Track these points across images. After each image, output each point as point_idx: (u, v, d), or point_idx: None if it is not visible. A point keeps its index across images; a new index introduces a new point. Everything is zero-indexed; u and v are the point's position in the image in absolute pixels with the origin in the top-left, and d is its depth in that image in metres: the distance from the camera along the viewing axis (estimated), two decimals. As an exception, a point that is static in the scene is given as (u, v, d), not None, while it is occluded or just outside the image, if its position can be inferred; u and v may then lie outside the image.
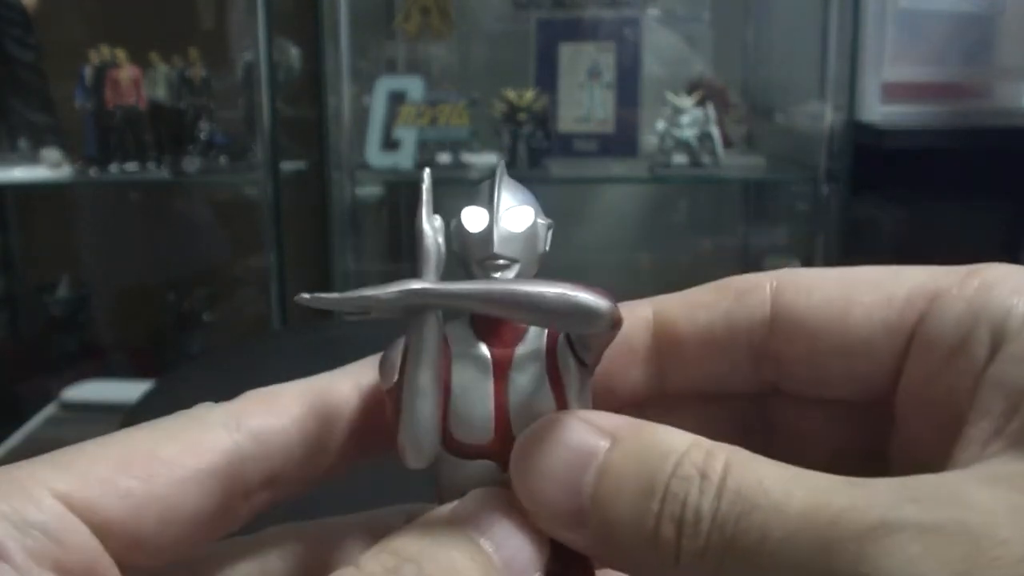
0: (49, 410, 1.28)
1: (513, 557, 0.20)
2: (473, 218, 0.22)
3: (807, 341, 0.22)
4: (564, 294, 0.19)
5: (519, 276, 0.22)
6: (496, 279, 0.21)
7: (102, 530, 0.19)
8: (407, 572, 0.19)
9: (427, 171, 0.21)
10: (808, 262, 1.47)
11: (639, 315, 0.24)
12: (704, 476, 0.18)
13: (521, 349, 0.21)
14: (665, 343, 0.23)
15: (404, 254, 1.69)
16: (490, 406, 0.21)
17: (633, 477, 0.19)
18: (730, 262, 1.68)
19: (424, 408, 0.20)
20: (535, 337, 0.21)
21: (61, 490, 0.19)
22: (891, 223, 1.46)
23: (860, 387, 0.22)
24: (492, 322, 0.22)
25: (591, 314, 0.20)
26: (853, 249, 1.43)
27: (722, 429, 0.23)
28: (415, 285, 0.20)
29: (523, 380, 0.21)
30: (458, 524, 0.20)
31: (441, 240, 0.21)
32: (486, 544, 0.20)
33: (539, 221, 0.22)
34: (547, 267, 0.23)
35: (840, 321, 0.21)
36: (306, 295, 0.19)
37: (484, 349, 0.21)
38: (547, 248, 0.23)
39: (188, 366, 1.07)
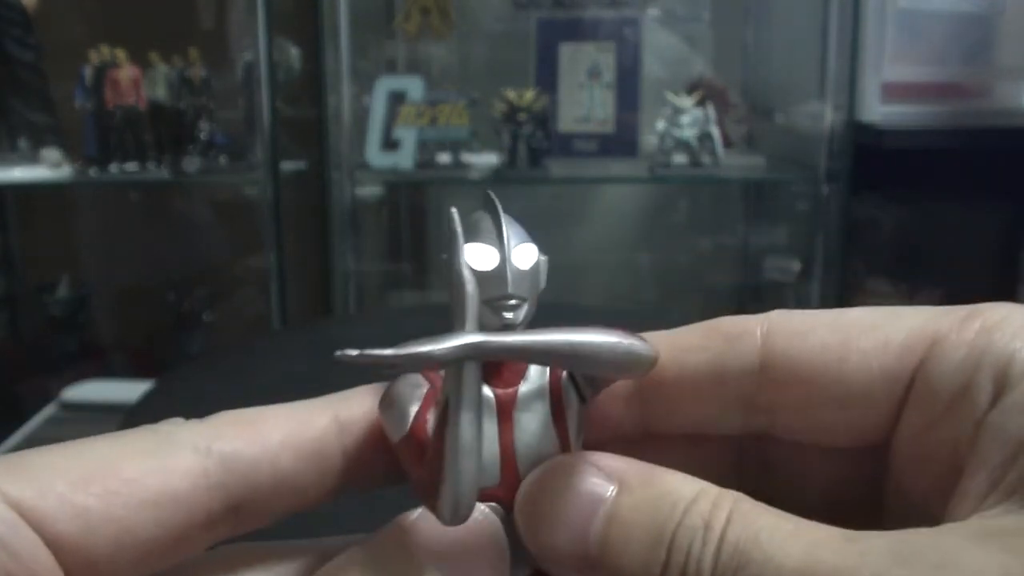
0: (49, 410, 1.27)
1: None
2: (480, 256, 0.21)
3: (801, 390, 0.21)
4: (620, 343, 0.19)
5: (526, 315, 0.21)
6: (550, 330, 0.19)
7: (54, 545, 0.18)
8: None
9: (454, 210, 0.20)
10: (808, 262, 1.47)
11: None
12: (708, 527, 0.18)
13: (524, 388, 0.21)
14: (649, 386, 0.23)
15: (404, 254, 1.70)
16: (496, 450, 0.21)
17: (641, 526, 0.19)
18: (730, 262, 1.68)
19: (468, 466, 0.19)
20: (538, 375, 0.21)
21: (13, 497, 0.18)
22: (891, 223, 1.46)
23: (856, 435, 0.21)
24: (494, 362, 0.21)
25: (643, 361, 0.20)
26: (853, 249, 1.43)
27: (713, 467, 0.23)
28: (473, 339, 0.18)
29: (528, 420, 0.21)
30: (405, 548, 0.20)
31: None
32: (439, 569, 0.19)
33: (540, 257, 0.22)
34: (548, 264, 0.22)
35: (836, 369, 0.20)
36: (352, 351, 0.18)
37: (487, 391, 0.20)
38: (543, 286, 0.22)
39: (188, 366, 1.07)
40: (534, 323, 0.21)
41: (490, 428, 0.21)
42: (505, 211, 0.22)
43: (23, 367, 1.57)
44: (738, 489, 0.22)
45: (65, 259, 1.64)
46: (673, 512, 0.18)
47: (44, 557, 0.18)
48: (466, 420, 0.19)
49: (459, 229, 0.20)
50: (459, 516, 0.19)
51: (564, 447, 0.21)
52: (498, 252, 0.21)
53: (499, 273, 0.21)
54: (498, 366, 0.21)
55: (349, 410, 0.22)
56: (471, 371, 0.19)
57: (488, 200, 0.22)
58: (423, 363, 0.18)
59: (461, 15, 1.54)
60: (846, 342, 0.21)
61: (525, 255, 0.21)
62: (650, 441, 0.23)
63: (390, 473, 0.22)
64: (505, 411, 0.21)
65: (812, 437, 0.22)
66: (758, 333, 0.22)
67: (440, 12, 1.49)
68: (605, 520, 0.19)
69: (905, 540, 0.16)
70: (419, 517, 0.20)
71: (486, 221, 0.22)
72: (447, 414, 0.19)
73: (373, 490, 0.22)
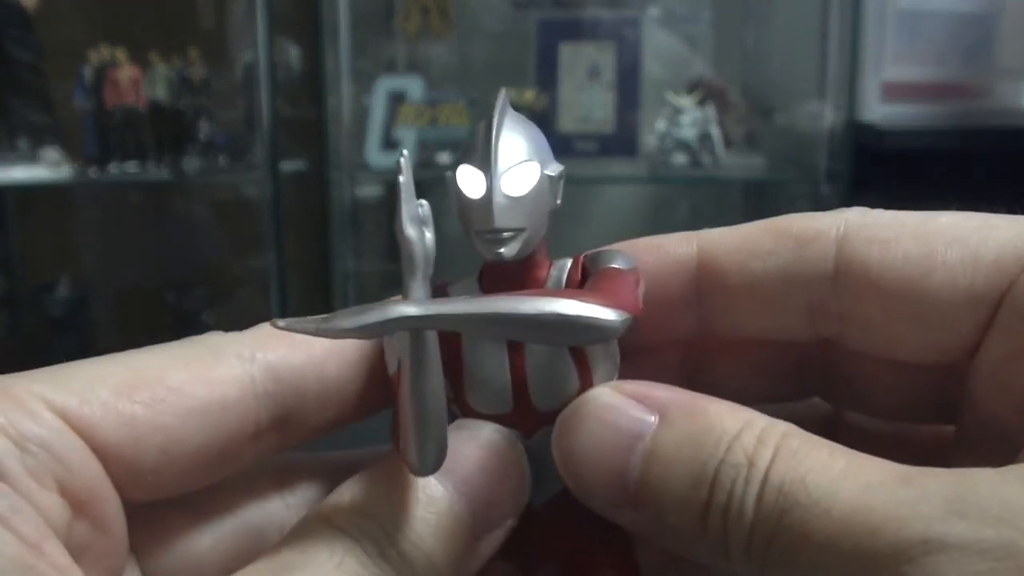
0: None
1: (482, 503, 0.19)
2: (469, 181, 0.19)
3: (877, 302, 0.19)
4: (561, 315, 0.17)
5: (527, 244, 0.19)
6: (494, 298, 0.18)
7: (102, 454, 0.18)
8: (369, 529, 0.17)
9: (404, 156, 0.18)
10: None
11: (680, 256, 0.21)
12: (752, 464, 0.16)
13: None
14: (710, 290, 0.21)
15: (404, 254, 1.69)
16: (507, 377, 0.20)
17: (682, 463, 0.17)
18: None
19: (426, 427, 0.18)
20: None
21: (58, 404, 0.18)
22: (891, 223, 1.46)
23: (932, 354, 0.19)
24: (504, 284, 0.20)
25: (594, 330, 0.18)
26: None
27: (771, 377, 0.22)
28: (398, 311, 0.17)
29: (540, 350, 0.20)
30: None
31: (429, 236, 0.19)
32: (449, 487, 0.19)
33: (547, 174, 0.20)
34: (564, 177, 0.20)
35: (919, 284, 0.18)
36: (281, 321, 0.17)
37: None
38: (559, 202, 0.20)
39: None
40: (556, 245, 0.20)
41: (500, 354, 0.20)
42: (512, 117, 0.20)
43: (23, 367, 1.56)
44: (799, 392, 0.21)
45: (65, 259, 1.64)
46: (716, 448, 0.17)
47: (93, 465, 0.18)
48: (420, 383, 0.18)
49: (403, 181, 0.18)
50: (425, 470, 0.18)
51: (583, 373, 0.20)
52: (484, 177, 0.19)
53: (485, 203, 0.19)
54: (508, 289, 0.19)
55: None
56: (418, 338, 0.18)
57: (495, 103, 0.20)
58: (342, 336, 0.17)
59: (461, 15, 1.54)
60: (931, 255, 0.19)
61: (519, 178, 0.19)
62: (709, 342, 0.22)
63: None
64: None
65: (885, 351, 0.20)
66: (833, 236, 0.20)
67: (440, 12, 1.49)
68: (644, 457, 0.18)
69: (966, 485, 0.15)
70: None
71: (482, 134, 0.20)
72: (400, 376, 0.18)
73: None
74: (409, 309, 0.17)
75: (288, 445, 0.21)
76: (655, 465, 0.18)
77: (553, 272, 0.21)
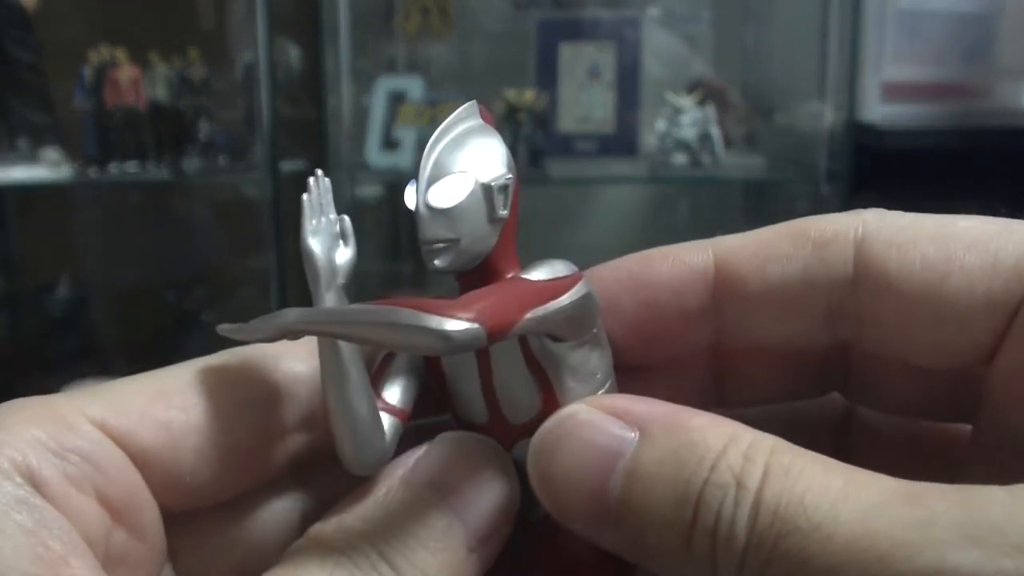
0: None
1: (473, 513, 0.19)
2: (410, 194, 0.20)
3: (896, 305, 0.19)
4: (391, 323, 0.17)
5: (464, 253, 0.19)
6: (353, 308, 0.18)
7: (140, 461, 0.18)
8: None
9: (317, 175, 0.20)
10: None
11: (696, 265, 0.21)
12: (740, 484, 0.16)
13: None
14: (728, 298, 0.20)
15: (404, 254, 1.69)
16: (478, 388, 0.20)
17: (664, 481, 0.17)
18: (730, 262, 1.68)
19: (346, 425, 0.19)
20: None
21: (97, 417, 0.18)
22: (891, 223, 1.46)
23: (950, 359, 0.19)
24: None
25: (427, 340, 0.17)
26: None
27: (792, 379, 0.21)
28: (288, 319, 0.18)
29: (503, 361, 0.20)
30: (408, 485, 0.19)
31: (347, 249, 0.20)
32: (437, 500, 0.18)
33: (483, 183, 0.19)
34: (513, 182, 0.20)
35: (936, 287, 0.18)
36: (223, 326, 0.19)
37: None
38: (505, 211, 0.20)
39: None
40: (527, 252, 0.20)
41: (472, 366, 0.20)
42: (464, 129, 0.20)
43: (23, 367, 1.57)
44: (819, 391, 0.20)
45: (65, 259, 1.64)
46: (700, 466, 0.16)
47: (131, 473, 0.18)
48: (329, 385, 0.19)
49: (306, 198, 0.20)
50: (362, 469, 0.19)
51: (545, 389, 0.20)
52: (415, 191, 0.19)
53: (416, 215, 0.19)
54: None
55: None
56: (326, 344, 0.19)
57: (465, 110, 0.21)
58: (245, 340, 0.19)
59: (461, 15, 1.54)
60: (949, 258, 0.18)
61: (449, 190, 0.19)
62: (722, 355, 0.21)
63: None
64: (483, 351, 0.20)
65: (902, 354, 0.20)
66: (851, 238, 0.19)
67: (440, 12, 1.49)
68: (625, 475, 0.17)
69: (976, 507, 0.14)
70: (426, 451, 0.19)
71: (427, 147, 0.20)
72: (324, 386, 0.19)
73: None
74: (290, 316, 0.18)
75: (320, 447, 0.21)
76: (636, 484, 0.17)
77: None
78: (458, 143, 0.20)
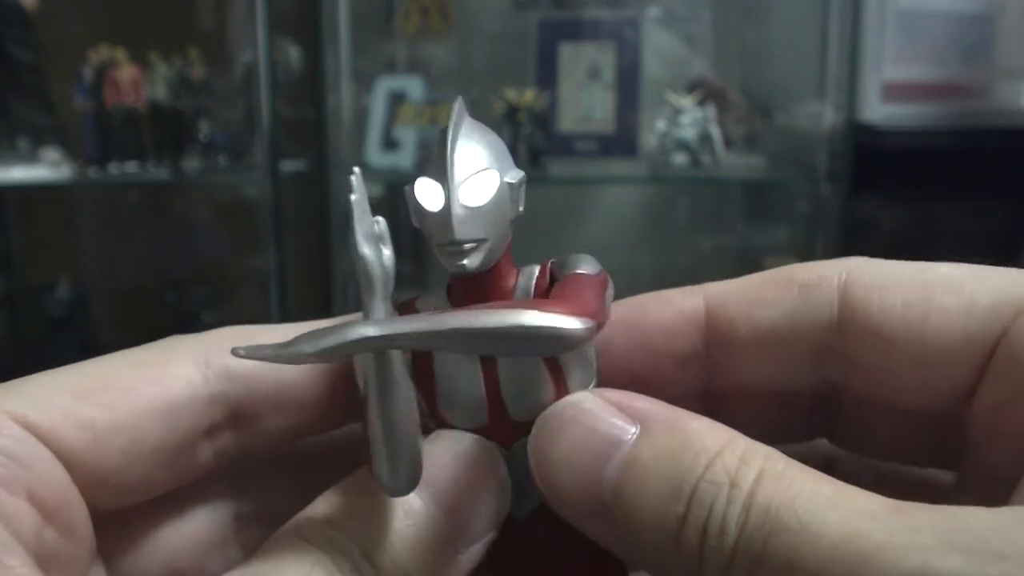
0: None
1: (460, 514, 0.18)
2: (427, 194, 0.19)
3: (879, 347, 0.19)
4: (523, 327, 0.17)
5: (490, 254, 0.19)
6: (454, 312, 0.17)
7: (65, 460, 0.18)
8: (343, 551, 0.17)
9: (356, 173, 0.18)
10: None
11: (688, 309, 0.21)
12: (734, 484, 0.16)
13: None
14: (718, 341, 0.21)
15: (404, 254, 1.69)
16: (481, 390, 0.20)
17: (660, 475, 0.17)
18: (730, 262, 1.68)
19: (395, 446, 0.17)
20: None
21: (20, 415, 0.18)
22: (891, 223, 1.46)
23: (930, 399, 0.20)
24: (471, 296, 0.19)
25: (557, 340, 0.17)
26: (853, 249, 1.42)
27: (780, 423, 0.22)
28: (357, 333, 0.17)
29: (512, 362, 0.19)
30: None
31: (388, 253, 0.18)
32: (426, 499, 0.18)
33: (507, 181, 0.19)
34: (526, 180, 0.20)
35: (918, 328, 0.19)
36: (241, 349, 0.17)
37: None
38: (521, 209, 0.20)
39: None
40: (528, 253, 0.20)
41: (473, 367, 0.19)
42: (469, 125, 0.19)
43: (23, 367, 1.56)
44: (806, 435, 0.21)
45: (65, 259, 1.64)
46: (696, 463, 0.17)
47: (59, 471, 0.18)
48: (381, 406, 0.17)
49: (355, 199, 0.18)
50: (398, 490, 0.18)
51: (557, 381, 0.20)
52: (442, 190, 0.19)
53: (444, 216, 0.18)
54: (477, 300, 0.19)
55: None
56: (381, 358, 0.17)
57: (456, 108, 0.19)
58: (302, 361, 0.17)
59: (461, 15, 1.54)
60: (929, 301, 0.19)
61: (478, 188, 0.19)
62: (711, 399, 0.22)
63: None
64: None
65: (885, 396, 0.20)
66: (836, 283, 0.20)
67: (440, 12, 1.49)
68: (622, 466, 0.18)
69: (960, 520, 0.15)
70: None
71: (441, 145, 0.19)
72: (366, 396, 0.18)
73: None
74: (368, 330, 0.17)
75: (248, 448, 0.21)
76: (632, 475, 0.17)
77: (521, 281, 0.21)
78: (471, 141, 0.19)
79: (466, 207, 0.19)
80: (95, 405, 0.18)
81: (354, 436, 0.21)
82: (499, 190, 0.19)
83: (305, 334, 0.17)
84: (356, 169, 0.18)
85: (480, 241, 0.19)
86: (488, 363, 0.20)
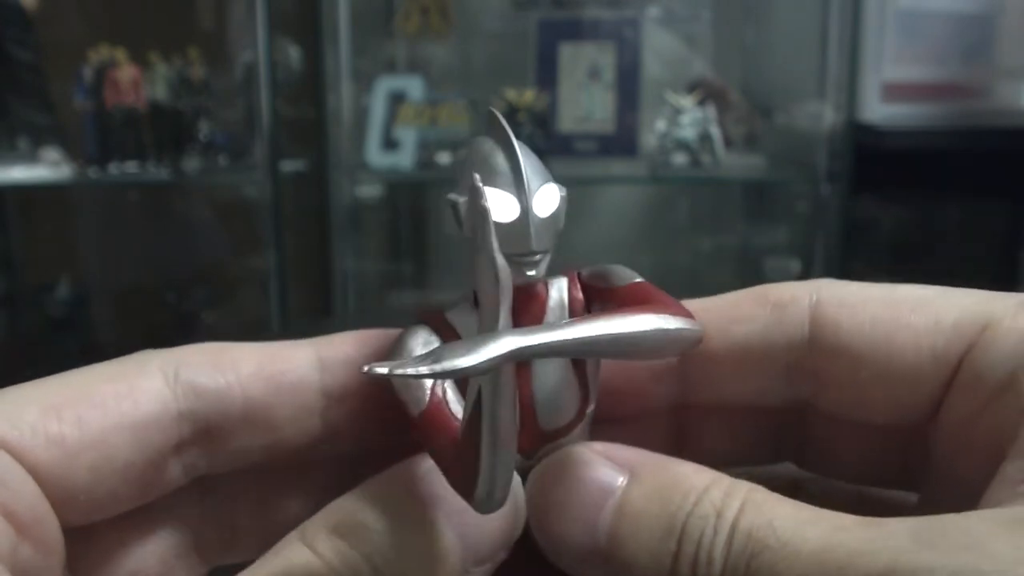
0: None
1: (474, 534, 0.19)
2: (500, 205, 0.19)
3: (849, 363, 0.20)
4: (665, 329, 0.18)
5: (547, 263, 0.20)
6: (587, 319, 0.18)
7: (35, 476, 0.18)
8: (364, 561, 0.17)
9: (484, 189, 0.17)
10: (808, 262, 1.47)
11: None
12: (719, 515, 0.17)
13: None
14: (694, 356, 0.21)
15: (404, 254, 1.69)
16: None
17: (652, 516, 0.18)
18: (730, 262, 1.68)
19: (506, 460, 0.17)
20: (556, 317, 0.20)
21: None
22: (891, 223, 1.46)
23: (898, 414, 0.20)
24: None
25: (688, 343, 0.19)
26: (853, 249, 1.43)
27: (749, 441, 0.23)
28: (509, 347, 0.16)
29: (547, 370, 0.20)
30: (412, 496, 0.19)
31: (503, 262, 0.18)
32: (441, 518, 0.18)
33: (561, 194, 0.20)
34: (549, 265, 0.21)
35: (885, 345, 0.20)
36: (381, 368, 0.16)
37: None
38: (563, 223, 0.20)
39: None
40: (557, 264, 0.20)
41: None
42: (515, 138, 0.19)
43: (23, 367, 1.57)
44: (774, 456, 0.22)
45: (65, 259, 1.64)
46: (684, 501, 0.18)
47: (31, 486, 0.18)
48: (504, 417, 0.17)
49: (488, 206, 0.17)
50: (493, 507, 0.18)
51: (583, 394, 0.20)
52: (517, 201, 0.19)
53: (521, 227, 0.19)
54: (515, 312, 0.18)
55: (332, 351, 0.21)
56: (499, 379, 0.17)
57: (495, 125, 0.19)
58: (459, 376, 0.16)
59: (461, 15, 1.54)
60: (896, 318, 0.20)
61: (547, 199, 0.19)
62: (684, 413, 0.23)
63: (370, 431, 0.21)
64: (522, 361, 0.19)
65: (854, 412, 0.21)
66: (807, 302, 0.21)
67: (440, 12, 1.49)
68: (615, 511, 0.19)
69: (929, 523, 0.16)
70: (430, 468, 0.19)
71: (498, 157, 0.19)
72: (480, 406, 0.17)
73: (355, 448, 0.21)
74: (521, 340, 0.16)
75: (219, 465, 0.21)
76: (625, 519, 0.18)
77: (553, 292, 0.21)
78: (527, 153, 0.19)
79: (541, 218, 0.19)
80: (65, 421, 0.18)
81: (321, 451, 0.21)
82: (561, 201, 0.20)
83: (446, 346, 0.16)
84: (477, 175, 0.17)
85: (546, 252, 0.20)
86: (522, 372, 0.20)
